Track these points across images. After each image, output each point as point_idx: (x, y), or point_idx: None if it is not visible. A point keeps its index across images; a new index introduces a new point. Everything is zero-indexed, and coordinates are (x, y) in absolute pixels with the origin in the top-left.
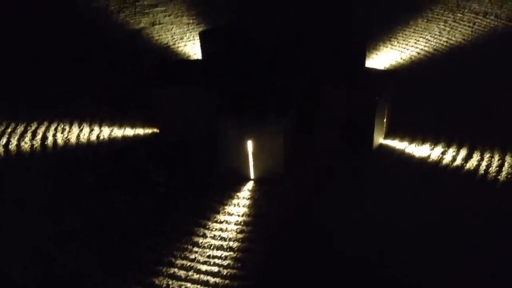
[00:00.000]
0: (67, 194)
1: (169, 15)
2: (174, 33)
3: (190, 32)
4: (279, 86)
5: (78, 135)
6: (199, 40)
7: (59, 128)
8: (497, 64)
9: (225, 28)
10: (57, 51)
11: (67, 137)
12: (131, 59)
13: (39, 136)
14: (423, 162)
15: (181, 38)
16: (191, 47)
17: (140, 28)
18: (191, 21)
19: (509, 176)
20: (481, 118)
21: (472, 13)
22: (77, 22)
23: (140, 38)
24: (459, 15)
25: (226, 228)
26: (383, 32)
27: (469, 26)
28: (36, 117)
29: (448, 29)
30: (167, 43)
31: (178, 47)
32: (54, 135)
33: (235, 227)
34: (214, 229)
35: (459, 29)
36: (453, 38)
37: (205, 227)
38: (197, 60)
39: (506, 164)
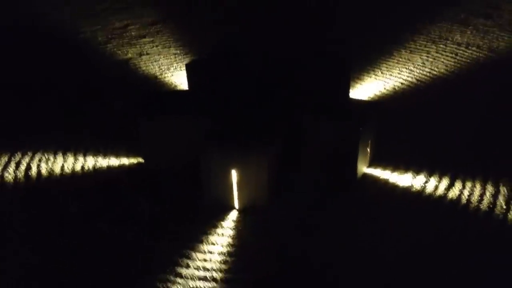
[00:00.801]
0: (51, 226)
1: (156, 46)
2: (161, 63)
3: (177, 62)
4: (264, 117)
5: (63, 166)
6: (185, 71)
7: (43, 158)
8: (479, 94)
9: (211, 59)
10: (43, 81)
11: (51, 167)
12: (118, 89)
13: (23, 167)
14: (406, 191)
15: (168, 69)
16: (178, 77)
17: (127, 58)
18: (178, 52)
19: (490, 205)
20: (463, 147)
21: (455, 44)
22: (65, 52)
23: (127, 68)
24: (441, 46)
25: (210, 259)
26: (367, 62)
27: (451, 57)
28: (20, 147)
29: (431, 60)
30: (154, 73)
31: (165, 77)
32: (39, 166)
33: (219, 258)
34: (197, 260)
35: (442, 60)
36: (436, 69)
37: (188, 257)
38: (183, 91)
39: (487, 193)
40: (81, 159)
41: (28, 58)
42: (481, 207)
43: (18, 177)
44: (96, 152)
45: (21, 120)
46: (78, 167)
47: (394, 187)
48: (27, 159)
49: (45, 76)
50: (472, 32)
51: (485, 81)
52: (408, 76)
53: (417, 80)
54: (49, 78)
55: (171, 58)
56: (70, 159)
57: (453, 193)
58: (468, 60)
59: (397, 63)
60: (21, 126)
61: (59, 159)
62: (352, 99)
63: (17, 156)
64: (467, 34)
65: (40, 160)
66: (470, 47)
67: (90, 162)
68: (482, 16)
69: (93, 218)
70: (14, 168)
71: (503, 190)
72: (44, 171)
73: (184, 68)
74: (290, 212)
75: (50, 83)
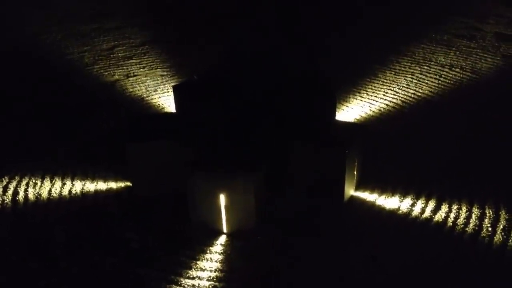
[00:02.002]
0: (38, 252)
1: (143, 67)
2: (148, 85)
3: (164, 84)
4: (251, 140)
5: (50, 190)
6: (172, 93)
7: (30, 183)
8: (463, 116)
9: (198, 82)
10: (29, 103)
11: (38, 192)
12: (105, 112)
13: (10, 192)
14: (393, 214)
15: (155, 90)
16: (165, 99)
17: (114, 80)
18: (165, 73)
19: (476, 228)
20: (448, 170)
21: (438, 65)
22: (51, 74)
23: (114, 90)
24: (425, 67)
25: (199, 284)
26: (353, 84)
27: (435, 79)
28: (7, 172)
29: (415, 81)
30: (141, 95)
31: (152, 99)
32: (26, 190)
33: (207, 283)
34: (186, 286)
35: (426, 81)
36: (420, 90)
37: (177, 283)
38: (170, 114)
39: (473, 216)
40: (68, 183)
41: (14, 81)
42: (467, 229)
43: (5, 202)
44: (84, 176)
45: (8, 144)
46: (65, 192)
47: (380, 210)
48: (14, 183)
49: (32, 99)
50: (455, 53)
51: (469, 102)
52: (393, 98)
53: (402, 101)
54: (36, 102)
55: (158, 80)
56: (58, 183)
57: (439, 215)
58: (452, 81)
59: (382, 84)
60: (8, 150)
61: (47, 183)
62: (338, 121)
63: (4, 181)
64: (450, 55)
65: (27, 185)
66: (453, 69)
67: (78, 186)
68: (465, 37)
69: (80, 244)
70: (1, 193)
71: (488, 212)
72: (31, 195)
73: (171, 90)
74: (279, 236)
75: (36, 107)
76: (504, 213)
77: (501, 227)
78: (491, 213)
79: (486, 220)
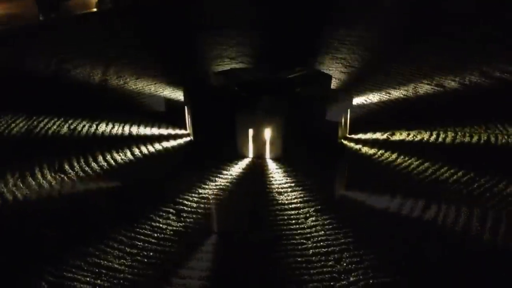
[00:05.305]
0: (28, 251)
1: (136, 68)
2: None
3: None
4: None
5: (40, 187)
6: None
7: (19, 180)
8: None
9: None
10: (22, 104)
11: (28, 190)
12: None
13: None
14: (383, 212)
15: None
16: (160, 99)
17: (105, 79)
18: (158, 74)
19: (465, 226)
20: (438, 169)
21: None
22: (41, 74)
23: (106, 89)
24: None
25: (190, 284)
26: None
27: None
28: None
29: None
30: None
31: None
32: (15, 188)
33: (198, 282)
34: (177, 285)
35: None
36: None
37: (168, 283)
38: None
39: (462, 215)
40: (59, 180)
41: (7, 83)
42: (456, 228)
43: None
44: (75, 174)
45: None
46: (55, 189)
47: (371, 209)
48: (3, 182)
49: (25, 99)
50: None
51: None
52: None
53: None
54: (27, 100)
55: (150, 81)
56: (48, 180)
57: (429, 214)
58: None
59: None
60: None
61: (36, 180)
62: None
63: None
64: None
65: (16, 183)
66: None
67: (68, 184)
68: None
69: (72, 243)
70: None
71: (476, 211)
72: (19, 195)
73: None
74: (269, 235)
75: (27, 105)
76: (492, 212)
77: (489, 225)
78: (479, 212)
79: (475, 219)
